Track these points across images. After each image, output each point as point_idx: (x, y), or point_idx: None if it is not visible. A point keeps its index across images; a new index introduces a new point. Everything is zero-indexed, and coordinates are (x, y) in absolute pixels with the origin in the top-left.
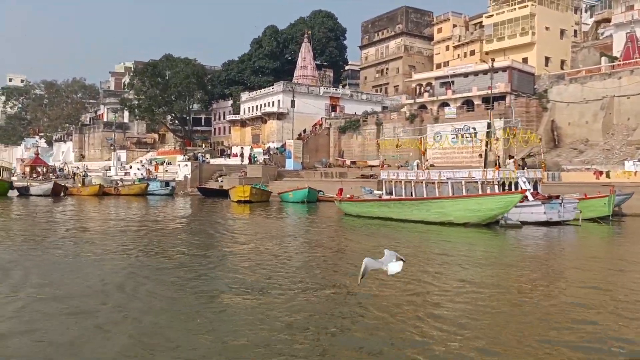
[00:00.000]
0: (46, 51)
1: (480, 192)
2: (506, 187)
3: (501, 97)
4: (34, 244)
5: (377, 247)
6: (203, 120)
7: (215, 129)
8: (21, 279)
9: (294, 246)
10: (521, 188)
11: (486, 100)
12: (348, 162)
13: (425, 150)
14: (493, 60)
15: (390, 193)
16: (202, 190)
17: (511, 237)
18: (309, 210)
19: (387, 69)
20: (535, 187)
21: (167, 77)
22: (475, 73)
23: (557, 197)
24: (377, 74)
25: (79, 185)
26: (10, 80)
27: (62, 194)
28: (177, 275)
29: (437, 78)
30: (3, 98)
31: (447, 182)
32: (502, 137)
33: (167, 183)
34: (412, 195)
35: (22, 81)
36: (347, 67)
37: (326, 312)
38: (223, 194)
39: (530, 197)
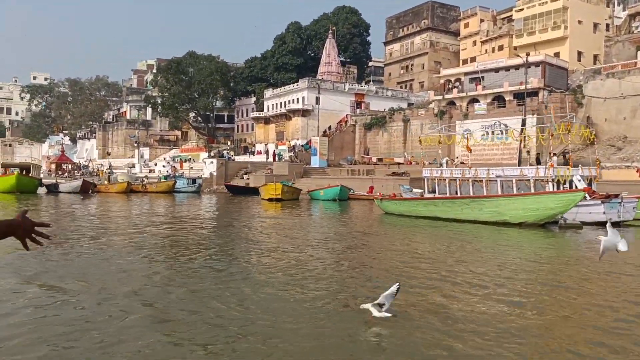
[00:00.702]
0: (68, 50)
1: (532, 191)
2: (561, 186)
3: (534, 92)
4: (74, 244)
5: (448, 252)
6: (226, 118)
7: (238, 126)
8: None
9: (364, 252)
10: (576, 186)
11: (518, 96)
12: (374, 160)
13: (470, 147)
14: (528, 54)
15: (433, 191)
16: (230, 187)
17: (576, 239)
18: (342, 208)
19: (412, 65)
20: (589, 186)
21: (190, 74)
22: (507, 68)
23: (617, 196)
24: (402, 70)
25: (105, 182)
26: (35, 78)
27: (90, 191)
28: (223, 278)
29: (466, 74)
30: (28, 96)
31: (496, 180)
32: (551, 134)
33: (193, 180)
34: (456, 193)
35: (45, 79)
36: (370, 64)
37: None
38: (252, 191)
39: (587, 196)
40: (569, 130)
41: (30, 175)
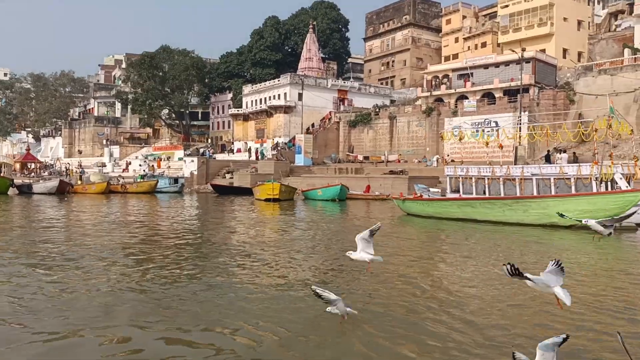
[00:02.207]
0: (29, 43)
1: (573, 190)
2: (603, 184)
3: (524, 89)
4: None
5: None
6: (200, 115)
7: (213, 123)
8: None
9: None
10: (618, 185)
11: (508, 92)
12: (360, 158)
13: (488, 144)
14: (524, 49)
15: (456, 191)
16: (217, 187)
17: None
18: (344, 209)
19: (394, 61)
20: (628, 184)
21: (164, 70)
22: (496, 65)
23: None
24: (383, 66)
25: (78, 182)
26: None
27: (66, 192)
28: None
29: (454, 70)
30: None
31: (532, 179)
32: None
33: (175, 180)
34: (484, 193)
35: (5, 74)
36: (348, 60)
37: None
38: (242, 191)
39: None
40: (610, 125)
41: (1, 175)
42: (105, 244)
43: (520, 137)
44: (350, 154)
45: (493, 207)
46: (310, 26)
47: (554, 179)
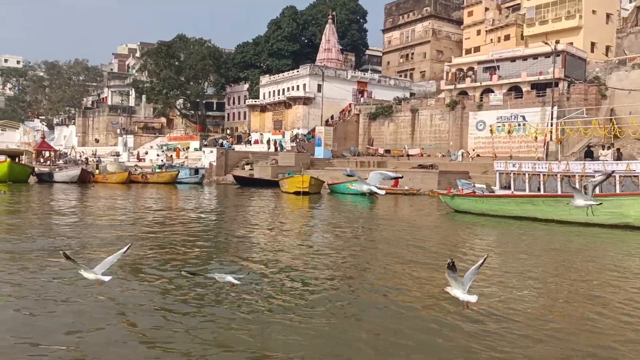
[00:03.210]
0: (42, 31)
1: None
2: None
3: (553, 83)
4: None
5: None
6: (215, 105)
7: (229, 114)
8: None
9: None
10: None
11: (536, 86)
12: (381, 151)
13: (537, 138)
14: (558, 42)
15: (506, 187)
16: (239, 179)
17: None
18: (378, 204)
19: (413, 53)
20: None
21: (180, 59)
22: (524, 57)
23: None
24: (402, 58)
25: (96, 172)
26: (6, 61)
27: (87, 181)
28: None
29: (480, 62)
30: (1, 79)
31: (594, 176)
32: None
33: (196, 171)
34: (539, 190)
35: (18, 62)
36: (366, 52)
37: None
38: (265, 183)
39: None
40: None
41: (23, 163)
42: (150, 241)
43: (551, 132)
44: (370, 147)
45: (557, 205)
46: (330, 16)
47: (620, 176)
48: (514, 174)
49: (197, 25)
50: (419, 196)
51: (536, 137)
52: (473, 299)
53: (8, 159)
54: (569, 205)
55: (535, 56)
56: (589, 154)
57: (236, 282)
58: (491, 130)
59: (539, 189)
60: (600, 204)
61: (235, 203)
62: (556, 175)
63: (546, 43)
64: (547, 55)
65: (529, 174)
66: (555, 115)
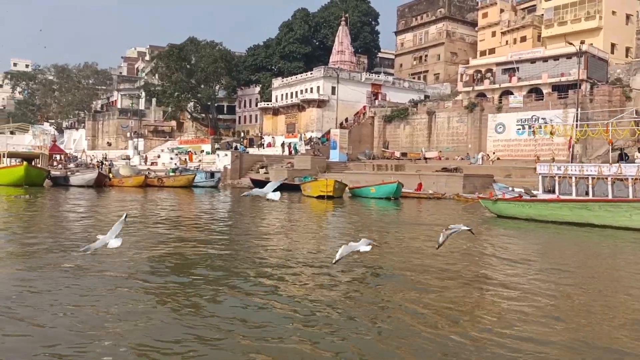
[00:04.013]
0: (51, 36)
1: None
2: None
3: (575, 84)
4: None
5: None
6: (225, 108)
7: (240, 117)
8: None
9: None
10: None
11: (557, 88)
12: (397, 154)
13: (577, 139)
14: (582, 42)
15: (551, 191)
16: (257, 183)
17: None
18: (405, 208)
19: (427, 55)
20: None
21: (192, 62)
22: (544, 59)
23: None
24: (415, 61)
25: (109, 175)
26: (15, 65)
27: (104, 185)
28: None
29: (498, 64)
30: (11, 82)
31: None
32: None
33: (212, 174)
34: (587, 194)
35: (27, 66)
36: (378, 54)
37: None
38: (284, 187)
39: None
40: None
41: (39, 166)
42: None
43: (575, 135)
44: (386, 150)
45: (617, 210)
46: (343, 18)
47: None
48: (559, 177)
49: (206, 29)
50: (443, 200)
51: (552, 137)
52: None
53: (24, 162)
54: (630, 211)
55: (556, 57)
56: (622, 157)
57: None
58: (534, 132)
59: (586, 193)
60: None
61: (259, 207)
62: (607, 178)
63: (570, 44)
64: (568, 56)
65: (576, 177)
66: (579, 117)
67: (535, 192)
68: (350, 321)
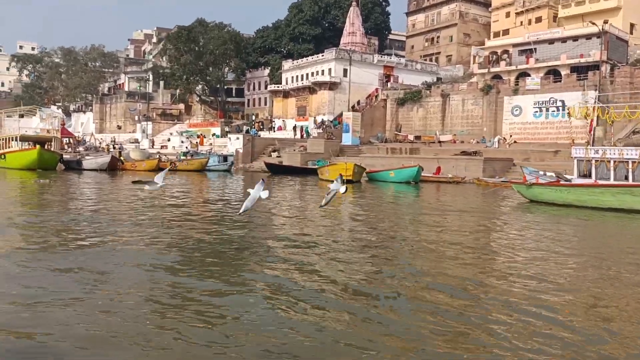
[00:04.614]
0: (56, 17)
1: None
2: None
3: (594, 65)
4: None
5: None
6: (234, 91)
7: (248, 100)
8: None
9: None
10: None
11: (577, 69)
12: (411, 137)
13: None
14: (606, 22)
15: (586, 175)
16: (272, 166)
17: None
18: (426, 193)
19: (439, 37)
20: None
21: (201, 43)
22: (563, 39)
23: None
24: (427, 42)
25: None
26: (21, 47)
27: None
28: None
29: (515, 45)
30: (18, 65)
31: None
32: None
33: (225, 158)
34: (626, 179)
35: (33, 49)
36: (389, 36)
37: None
38: (299, 171)
39: None
40: None
41: (52, 150)
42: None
43: (598, 116)
44: (399, 133)
45: None
46: None
47: None
48: (596, 161)
49: (214, 10)
50: (463, 184)
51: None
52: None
53: (37, 146)
54: None
55: (575, 38)
56: None
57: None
58: (569, 113)
59: (626, 178)
60: None
61: (280, 192)
62: None
63: (593, 23)
64: (588, 36)
65: (614, 161)
66: (593, 98)
67: (568, 177)
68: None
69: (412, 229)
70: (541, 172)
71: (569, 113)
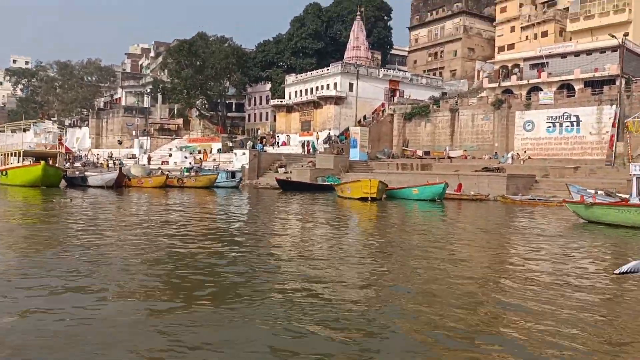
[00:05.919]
0: (51, 32)
1: None
2: None
3: (610, 80)
4: None
5: None
6: (234, 106)
7: (249, 114)
8: None
9: None
10: None
11: (590, 84)
12: (420, 153)
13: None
14: (626, 35)
15: None
16: (283, 183)
17: None
18: (454, 211)
19: (443, 51)
20: None
21: (202, 57)
22: (576, 53)
23: None
24: (430, 57)
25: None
26: (15, 62)
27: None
28: None
29: (526, 59)
30: (12, 79)
31: None
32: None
33: (233, 174)
34: None
35: (26, 62)
36: (391, 51)
37: None
38: (313, 188)
39: None
40: None
41: (56, 165)
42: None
43: (618, 132)
44: (407, 148)
45: None
46: (358, 13)
47: None
48: None
49: (213, 24)
50: (487, 202)
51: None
52: None
53: (42, 162)
54: None
55: (589, 52)
56: None
57: None
58: (627, 126)
59: None
60: None
61: (302, 211)
62: None
63: (613, 36)
64: (602, 50)
65: None
66: (612, 114)
67: (623, 196)
68: None
69: (469, 254)
70: (589, 190)
71: (627, 126)
